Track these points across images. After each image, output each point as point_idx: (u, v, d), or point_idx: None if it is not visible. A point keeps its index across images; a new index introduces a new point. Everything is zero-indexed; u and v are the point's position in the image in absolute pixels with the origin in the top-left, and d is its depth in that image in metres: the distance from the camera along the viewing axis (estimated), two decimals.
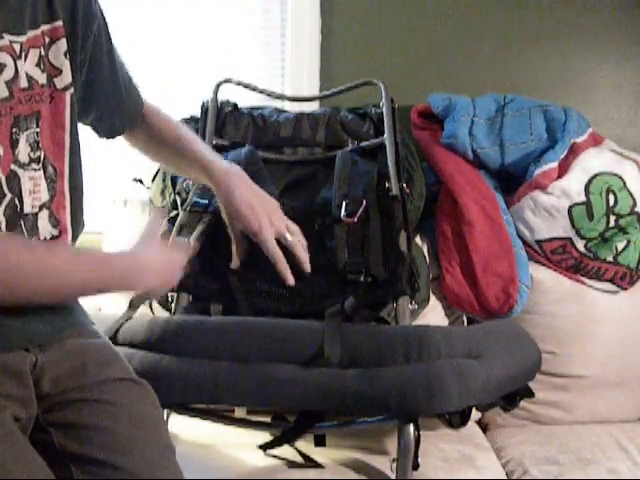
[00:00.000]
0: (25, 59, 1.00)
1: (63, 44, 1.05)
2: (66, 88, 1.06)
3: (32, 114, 1.01)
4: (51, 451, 0.99)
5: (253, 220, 1.28)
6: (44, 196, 1.05)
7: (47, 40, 1.03)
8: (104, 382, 1.06)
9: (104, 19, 1.16)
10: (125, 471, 0.97)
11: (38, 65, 1.02)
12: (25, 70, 1.00)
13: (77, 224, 1.12)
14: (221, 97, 1.73)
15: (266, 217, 1.29)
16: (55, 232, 1.07)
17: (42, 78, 1.02)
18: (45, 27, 1.03)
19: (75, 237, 1.13)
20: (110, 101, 1.20)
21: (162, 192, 1.67)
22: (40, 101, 1.02)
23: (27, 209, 1.02)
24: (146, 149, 1.34)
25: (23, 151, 1.00)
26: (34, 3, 1.02)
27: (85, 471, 0.97)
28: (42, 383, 1.02)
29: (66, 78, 1.06)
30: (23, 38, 0.99)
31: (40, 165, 1.03)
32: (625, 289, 1.72)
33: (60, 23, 1.05)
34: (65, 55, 1.06)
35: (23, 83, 1.00)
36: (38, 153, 1.03)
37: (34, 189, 1.02)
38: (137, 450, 0.99)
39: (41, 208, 1.04)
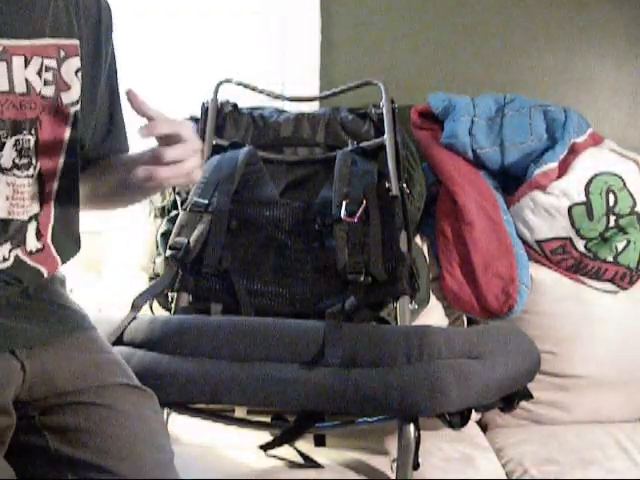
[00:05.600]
0: (27, 65, 0.99)
1: (76, 62, 1.06)
2: (72, 104, 1.06)
3: (24, 120, 1.00)
4: (46, 456, 0.98)
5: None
6: (35, 207, 1.04)
7: (62, 54, 1.04)
8: (104, 387, 1.04)
9: (114, 58, 1.17)
10: (121, 477, 0.96)
11: (39, 74, 1.01)
12: (25, 76, 0.99)
13: (62, 245, 1.09)
14: (221, 97, 1.73)
15: None
16: (39, 245, 1.06)
17: (46, 89, 1.02)
18: (61, 41, 1.04)
19: (64, 258, 1.10)
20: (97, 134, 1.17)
21: (162, 192, 1.68)
22: (35, 109, 1.01)
23: (1, 214, 1.00)
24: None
25: (7, 156, 0.99)
26: (55, 14, 1.02)
27: (80, 477, 0.96)
28: (36, 387, 1.01)
29: (74, 95, 1.06)
30: (24, 42, 0.99)
31: (28, 173, 1.02)
32: (625, 289, 1.72)
33: (77, 42, 1.06)
34: (76, 73, 1.06)
35: (19, 88, 0.99)
36: (25, 160, 1.01)
37: (14, 195, 1.01)
38: (134, 456, 0.98)
39: (30, 219, 1.04)
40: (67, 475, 0.97)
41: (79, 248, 1.14)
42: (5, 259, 1.01)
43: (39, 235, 1.06)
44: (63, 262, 1.11)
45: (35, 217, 1.04)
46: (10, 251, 1.02)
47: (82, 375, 1.04)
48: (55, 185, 1.07)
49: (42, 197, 1.05)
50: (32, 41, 1.00)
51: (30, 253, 1.04)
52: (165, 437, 1.07)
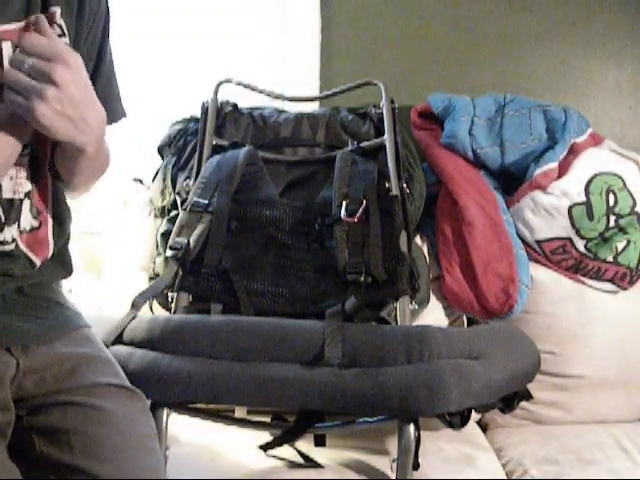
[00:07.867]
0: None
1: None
2: None
3: None
4: (32, 459, 0.97)
5: None
6: (28, 185, 1.04)
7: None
8: (93, 386, 1.03)
9: (108, 16, 1.15)
10: None
11: None
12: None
13: (60, 214, 1.10)
14: (221, 97, 1.72)
15: None
16: (35, 223, 1.06)
17: None
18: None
19: (61, 225, 1.11)
20: None
21: (162, 192, 1.68)
22: None
23: (6, 194, 1.01)
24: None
25: None
26: None
27: None
28: (25, 385, 1.01)
29: None
30: (9, 27, 0.98)
31: (27, 151, 1.02)
32: (625, 289, 1.72)
33: (56, 9, 1.02)
34: None
35: None
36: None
37: (16, 174, 1.01)
38: (121, 459, 0.97)
39: (25, 197, 1.04)
40: (50, 478, 0.96)
41: (69, 230, 1.14)
42: (13, 240, 1.02)
43: (36, 213, 1.05)
44: (56, 246, 1.10)
45: (28, 194, 1.04)
46: (17, 232, 1.03)
47: (72, 373, 1.04)
48: (47, 161, 1.06)
49: (38, 174, 1.05)
50: (16, 25, 0.98)
51: (25, 231, 1.04)
52: (154, 440, 1.05)
